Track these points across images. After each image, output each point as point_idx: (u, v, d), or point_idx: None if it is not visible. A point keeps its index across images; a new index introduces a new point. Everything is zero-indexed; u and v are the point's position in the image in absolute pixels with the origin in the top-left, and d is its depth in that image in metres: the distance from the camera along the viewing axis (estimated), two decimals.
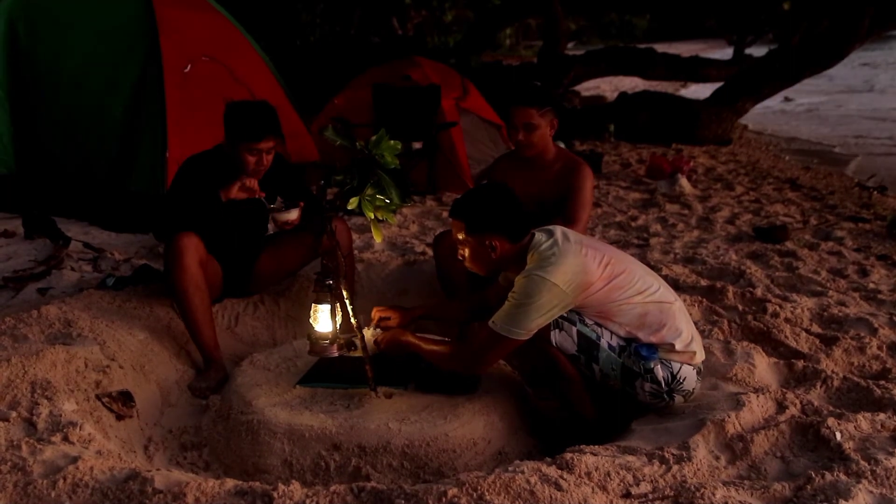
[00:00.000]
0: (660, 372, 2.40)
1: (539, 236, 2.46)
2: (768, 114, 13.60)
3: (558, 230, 2.48)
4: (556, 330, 2.40)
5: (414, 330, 2.73)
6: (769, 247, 4.87)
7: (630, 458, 2.09)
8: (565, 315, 2.40)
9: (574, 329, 2.41)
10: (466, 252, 2.55)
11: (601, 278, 2.37)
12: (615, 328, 2.44)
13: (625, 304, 2.41)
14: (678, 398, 2.45)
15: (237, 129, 2.99)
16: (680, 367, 2.43)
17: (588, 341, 2.42)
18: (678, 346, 2.42)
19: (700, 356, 2.51)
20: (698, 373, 2.50)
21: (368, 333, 2.64)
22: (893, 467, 2.01)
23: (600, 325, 2.44)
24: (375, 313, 2.75)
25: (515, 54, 23.09)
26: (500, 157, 3.72)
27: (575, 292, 2.34)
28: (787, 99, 16.12)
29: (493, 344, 2.39)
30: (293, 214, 3.05)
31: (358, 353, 2.58)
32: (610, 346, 2.42)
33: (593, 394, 2.52)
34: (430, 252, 4.62)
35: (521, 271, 2.40)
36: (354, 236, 4.24)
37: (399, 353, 2.62)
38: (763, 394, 2.47)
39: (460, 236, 2.53)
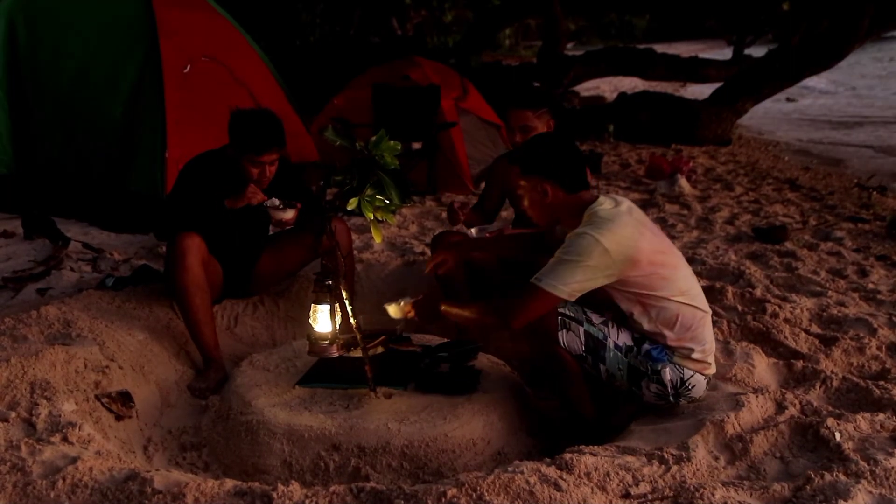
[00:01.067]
0: (667, 374, 2.40)
1: (603, 199, 2.43)
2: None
3: (626, 202, 2.46)
4: (564, 330, 2.39)
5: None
6: (768, 247, 4.87)
7: (629, 458, 2.09)
8: (572, 315, 2.39)
9: (581, 329, 2.40)
10: (525, 199, 2.53)
11: (647, 262, 2.34)
12: (644, 319, 2.40)
13: (665, 299, 2.38)
14: (683, 402, 2.46)
15: (241, 140, 2.99)
16: (692, 375, 2.44)
17: (595, 341, 2.41)
18: (696, 355, 2.42)
19: (713, 369, 2.52)
20: (707, 382, 2.51)
21: (396, 307, 2.64)
22: (893, 468, 2.01)
23: (607, 325, 2.44)
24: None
25: (515, 54, 23.08)
26: (499, 157, 3.76)
27: (622, 264, 2.30)
28: (789, 100, 16.06)
29: (534, 297, 2.32)
30: (288, 214, 3.06)
31: (357, 353, 2.58)
32: (616, 345, 2.42)
33: (596, 394, 2.52)
34: (429, 252, 4.63)
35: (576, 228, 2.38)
36: (354, 237, 4.23)
37: (433, 320, 2.60)
38: (762, 394, 2.47)
39: (520, 182, 2.53)
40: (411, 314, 2.64)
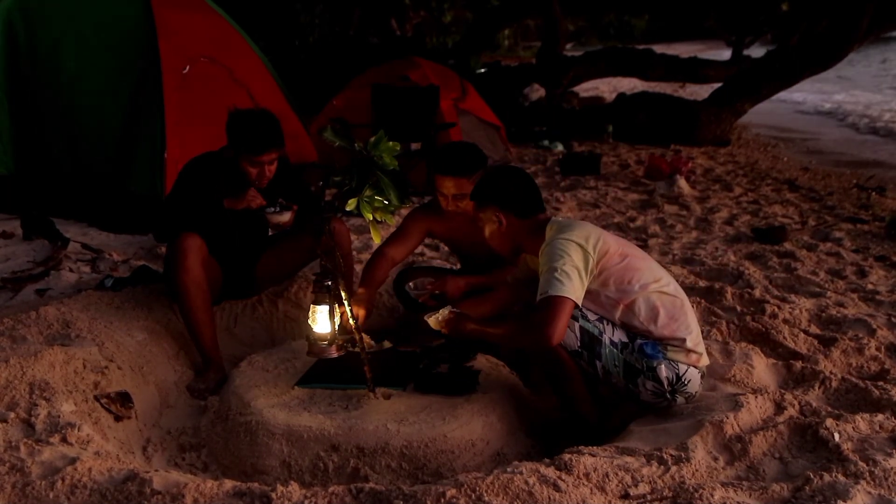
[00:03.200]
0: (663, 371, 2.41)
1: (559, 217, 2.58)
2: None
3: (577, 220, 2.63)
4: None
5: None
6: (768, 248, 4.87)
7: (628, 458, 2.09)
8: None
9: (577, 325, 2.41)
10: (485, 230, 2.66)
11: (617, 253, 2.46)
12: (630, 318, 2.45)
13: (641, 293, 2.44)
14: (680, 399, 2.46)
15: (239, 140, 3.00)
16: (686, 370, 2.44)
17: (591, 337, 2.42)
18: (689, 344, 2.44)
19: (705, 360, 2.54)
20: (702, 376, 2.52)
21: (434, 318, 2.64)
22: (891, 468, 2.01)
23: (602, 321, 2.45)
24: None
25: (514, 55, 23.12)
26: (416, 209, 3.27)
27: (596, 255, 2.41)
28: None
29: (554, 307, 2.30)
30: (285, 217, 3.07)
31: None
32: (612, 342, 2.44)
33: (595, 395, 2.52)
34: (428, 253, 4.63)
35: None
36: (353, 237, 4.23)
37: (463, 337, 2.61)
38: (761, 395, 2.47)
39: (478, 214, 2.65)
40: (445, 330, 2.64)
